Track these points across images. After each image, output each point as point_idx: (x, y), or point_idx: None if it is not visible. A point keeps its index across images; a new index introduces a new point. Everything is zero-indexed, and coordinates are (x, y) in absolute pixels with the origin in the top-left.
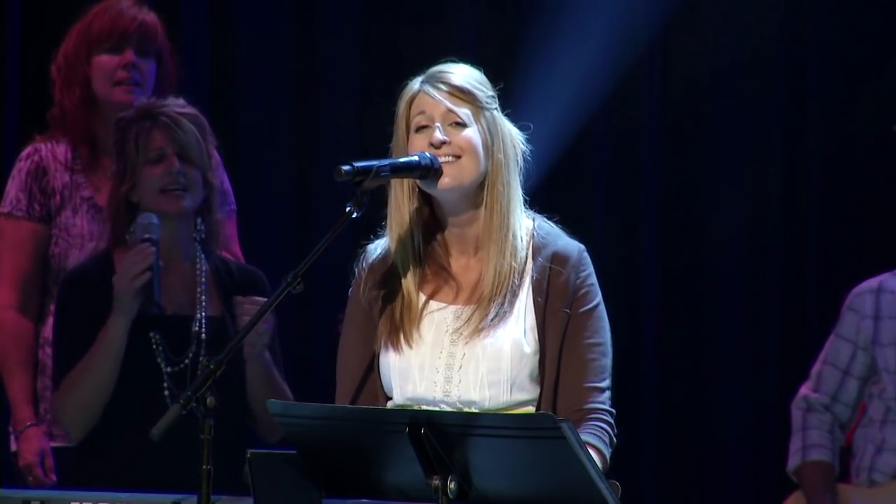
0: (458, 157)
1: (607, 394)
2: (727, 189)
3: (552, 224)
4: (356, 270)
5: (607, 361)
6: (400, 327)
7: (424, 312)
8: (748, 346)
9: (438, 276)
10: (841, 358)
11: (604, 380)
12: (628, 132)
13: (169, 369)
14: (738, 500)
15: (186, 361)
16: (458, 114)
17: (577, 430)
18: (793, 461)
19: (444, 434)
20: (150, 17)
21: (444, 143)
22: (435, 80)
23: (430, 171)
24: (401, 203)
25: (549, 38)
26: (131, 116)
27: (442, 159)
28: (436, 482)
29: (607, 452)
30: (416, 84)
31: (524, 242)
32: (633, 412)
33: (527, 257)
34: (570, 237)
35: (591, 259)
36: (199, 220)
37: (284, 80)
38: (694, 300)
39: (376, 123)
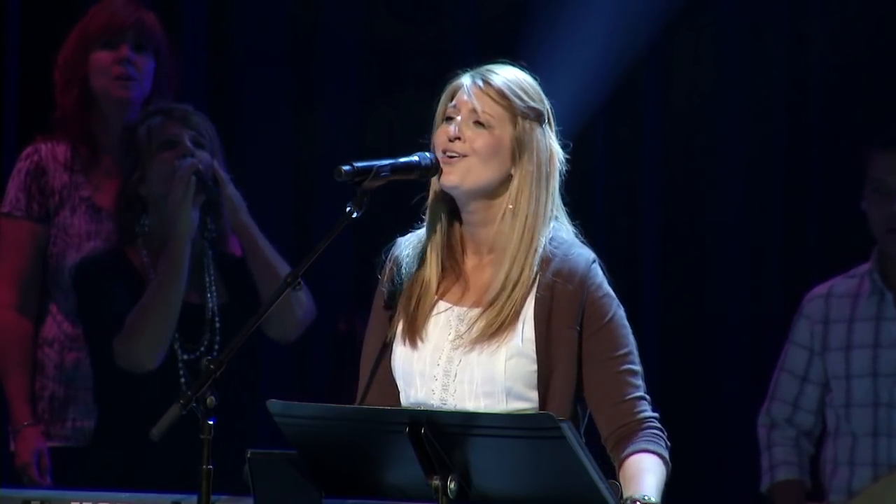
0: (465, 156)
1: (646, 400)
2: (728, 188)
3: (570, 229)
4: (384, 261)
5: (637, 367)
6: (414, 323)
7: (432, 312)
8: (749, 348)
9: (451, 275)
10: (798, 364)
11: (639, 387)
12: (628, 132)
13: (185, 357)
14: (739, 500)
15: (202, 349)
16: (482, 114)
17: (630, 442)
18: (763, 481)
19: (444, 434)
20: (147, 15)
21: (456, 137)
22: (477, 76)
23: (429, 171)
24: (437, 195)
25: (549, 39)
26: (141, 117)
27: (447, 154)
28: (436, 482)
29: (668, 456)
30: (463, 75)
31: (539, 257)
32: None
33: (537, 270)
34: (584, 244)
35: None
36: (209, 219)
37: (284, 80)
38: (695, 303)
39: (377, 123)
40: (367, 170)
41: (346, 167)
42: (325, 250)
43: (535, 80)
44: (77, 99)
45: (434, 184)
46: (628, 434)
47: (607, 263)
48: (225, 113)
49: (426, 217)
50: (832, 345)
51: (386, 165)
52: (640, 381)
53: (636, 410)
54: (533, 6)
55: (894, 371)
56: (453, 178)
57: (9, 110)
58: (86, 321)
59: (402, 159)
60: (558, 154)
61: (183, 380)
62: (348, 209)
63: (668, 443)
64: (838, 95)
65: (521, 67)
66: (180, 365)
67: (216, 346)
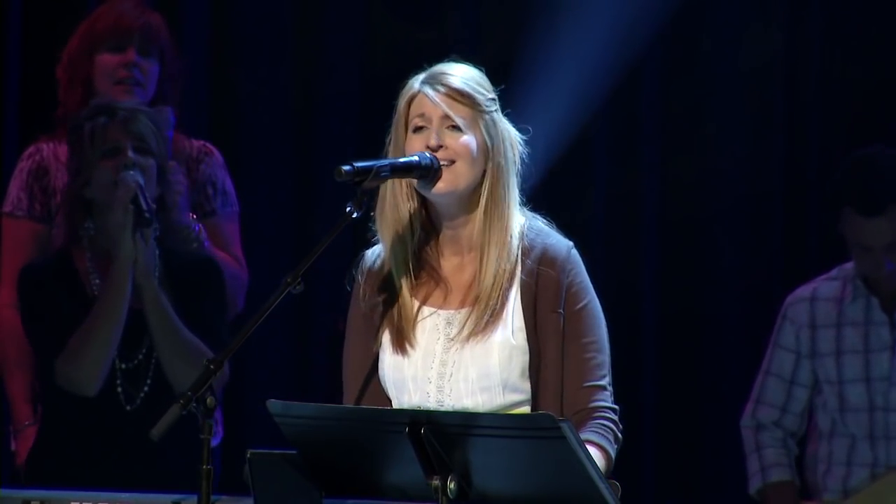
0: (453, 161)
1: (608, 391)
2: (728, 188)
3: (544, 221)
4: (355, 276)
5: (604, 358)
6: (401, 333)
7: (417, 319)
8: (749, 348)
9: (430, 280)
10: (785, 368)
11: (603, 377)
12: (628, 131)
13: (123, 366)
14: (738, 499)
15: (140, 357)
16: (455, 118)
17: (579, 430)
18: (753, 483)
19: (444, 434)
20: (154, 17)
21: (439, 146)
22: (435, 82)
23: (429, 171)
24: (399, 203)
25: (550, 38)
26: (86, 114)
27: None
28: (436, 482)
29: (612, 450)
30: (416, 83)
31: (517, 243)
32: (634, 412)
33: (517, 258)
34: (560, 234)
35: (582, 256)
36: (155, 218)
37: (285, 80)
38: (694, 299)
39: (377, 123)
40: (367, 170)
41: (346, 167)
42: (325, 250)
43: (479, 69)
44: (81, 98)
45: (401, 192)
46: (580, 421)
47: (607, 263)
48: (225, 113)
49: (390, 226)
50: (822, 350)
51: (386, 165)
52: (604, 371)
53: (593, 398)
54: (533, 7)
55: (886, 375)
56: (447, 184)
57: (10, 110)
58: (27, 328)
59: (403, 159)
60: (517, 136)
61: (120, 389)
62: (348, 209)
63: (620, 436)
64: (838, 93)
65: (457, 60)
66: (118, 374)
67: (154, 356)
